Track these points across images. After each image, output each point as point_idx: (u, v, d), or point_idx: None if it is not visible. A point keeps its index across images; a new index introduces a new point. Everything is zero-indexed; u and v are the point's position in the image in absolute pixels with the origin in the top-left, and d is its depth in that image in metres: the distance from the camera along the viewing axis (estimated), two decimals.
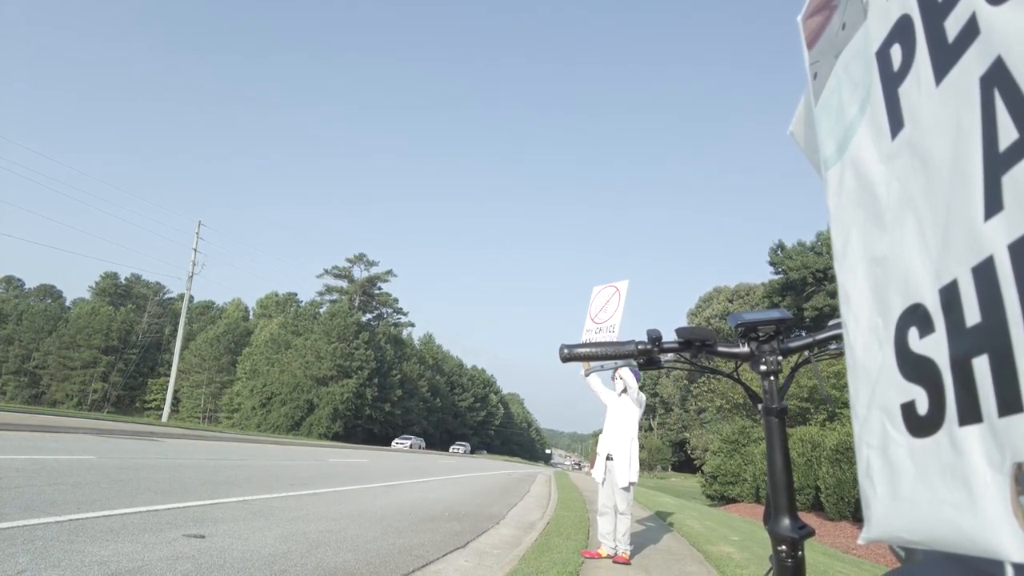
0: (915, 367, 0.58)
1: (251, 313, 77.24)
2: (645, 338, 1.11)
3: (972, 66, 0.51)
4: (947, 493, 0.52)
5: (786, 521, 0.96)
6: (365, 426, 57.28)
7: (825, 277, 38.44)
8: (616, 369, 5.06)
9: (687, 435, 61.87)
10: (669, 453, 67.17)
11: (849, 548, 10.28)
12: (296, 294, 74.88)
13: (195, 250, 35.50)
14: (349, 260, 68.46)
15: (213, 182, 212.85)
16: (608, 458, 5.28)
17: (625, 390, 5.33)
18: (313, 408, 53.47)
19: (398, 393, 60.66)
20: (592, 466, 7.13)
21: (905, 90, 0.62)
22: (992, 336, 0.47)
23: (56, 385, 62.17)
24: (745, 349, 1.07)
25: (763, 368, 1.03)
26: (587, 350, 1.16)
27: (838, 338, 1.03)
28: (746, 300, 62.42)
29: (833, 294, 34.91)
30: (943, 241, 0.54)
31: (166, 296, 77.98)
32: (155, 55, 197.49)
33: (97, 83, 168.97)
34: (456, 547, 5.45)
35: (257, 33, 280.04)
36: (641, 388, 5.44)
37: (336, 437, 51.89)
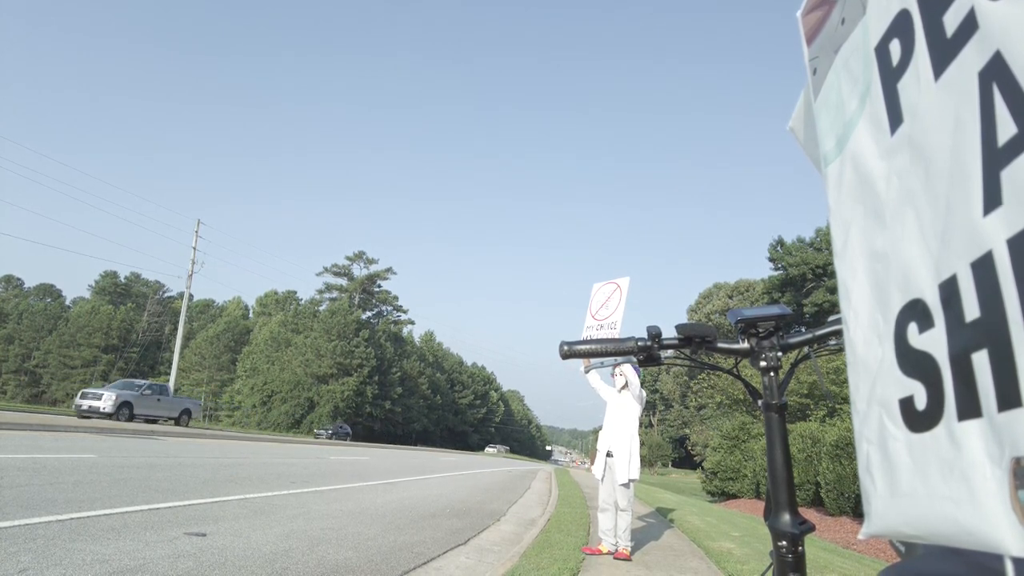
0: (914, 362, 0.58)
1: (251, 311, 77.21)
2: (645, 335, 1.11)
3: (971, 61, 0.51)
4: (946, 488, 0.52)
5: (786, 517, 0.97)
6: (366, 424, 57.34)
7: (825, 273, 38.45)
8: (616, 365, 5.07)
9: (687, 431, 62.01)
10: (669, 449, 67.30)
11: (849, 543, 10.31)
12: (296, 292, 74.87)
13: (195, 248, 35.47)
14: (349, 258, 68.56)
15: (212, 180, 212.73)
16: (608, 455, 5.29)
17: (626, 385, 5.34)
18: (313, 406, 53.51)
19: (398, 391, 60.72)
20: (592, 463, 7.17)
21: (904, 85, 0.62)
22: (991, 331, 0.47)
23: (56, 384, 62.17)
24: (745, 345, 1.07)
25: (763, 364, 1.03)
26: (587, 347, 1.16)
27: (838, 334, 1.03)
28: (746, 296, 62.43)
29: (833, 290, 34.91)
30: (942, 236, 0.54)
31: (166, 295, 78.00)
32: (154, 53, 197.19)
33: (96, 82, 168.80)
34: (457, 544, 5.46)
35: (256, 31, 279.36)
36: (641, 384, 5.44)
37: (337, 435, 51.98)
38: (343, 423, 50.30)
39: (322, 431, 44.94)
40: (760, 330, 1.05)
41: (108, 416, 20.02)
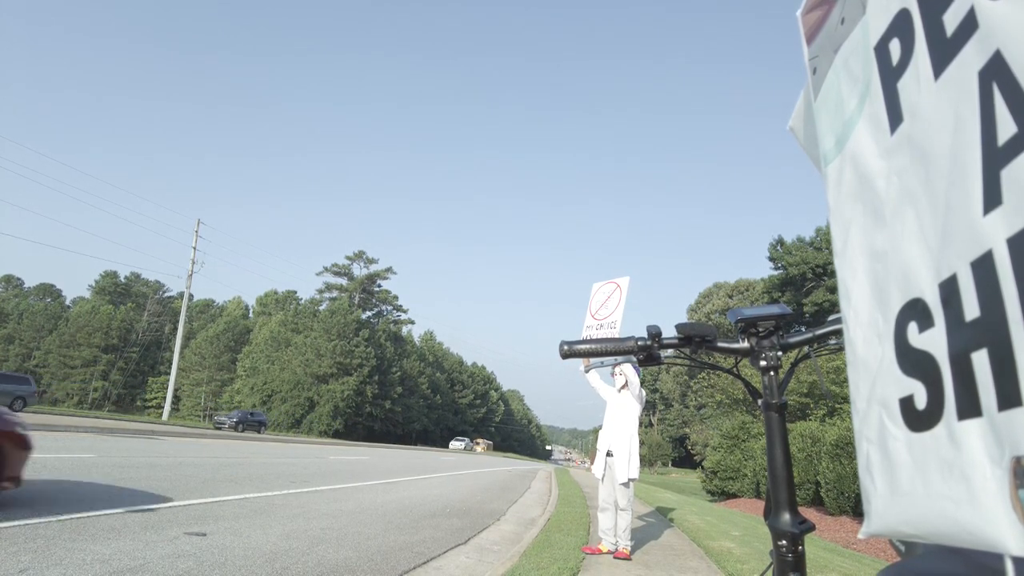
0: (914, 362, 0.58)
1: (251, 311, 77.23)
2: (645, 334, 1.11)
3: (971, 60, 0.51)
4: (946, 487, 0.52)
5: (786, 516, 0.97)
6: (366, 423, 57.33)
7: (824, 272, 38.43)
8: (616, 365, 5.07)
9: (687, 431, 62.04)
10: (669, 449, 67.32)
11: (849, 543, 10.31)
12: (296, 292, 74.93)
13: (195, 248, 35.50)
14: (349, 258, 68.63)
15: (212, 180, 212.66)
16: (608, 454, 5.29)
17: (626, 385, 5.34)
18: (313, 406, 53.51)
19: (398, 390, 60.74)
20: (592, 462, 7.19)
21: (904, 84, 0.62)
22: (991, 330, 0.47)
23: (57, 384, 62.16)
24: (745, 345, 1.06)
25: (763, 363, 1.03)
26: (587, 346, 1.16)
27: (838, 333, 1.03)
28: (746, 296, 62.42)
29: (833, 289, 34.91)
30: (942, 235, 0.54)
31: (166, 294, 78.03)
32: (153, 53, 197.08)
33: (96, 82, 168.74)
34: (457, 543, 5.46)
35: (256, 30, 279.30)
36: (641, 384, 5.45)
37: (336, 435, 51.93)
38: (254, 410, 40.93)
39: (224, 419, 34.64)
40: (760, 329, 1.05)
41: None
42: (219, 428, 32.72)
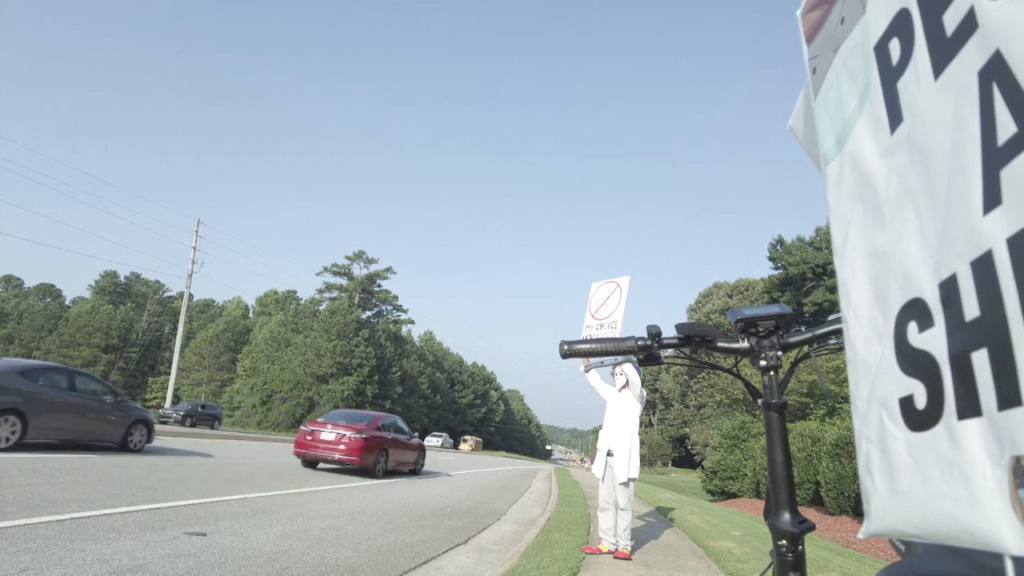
0: (914, 361, 0.58)
1: (251, 311, 77.20)
2: (645, 334, 1.11)
3: (970, 60, 0.51)
4: (945, 487, 0.52)
5: (786, 516, 0.97)
6: None
7: (824, 272, 38.43)
8: (616, 364, 5.07)
9: (687, 430, 62.06)
10: (669, 449, 67.30)
11: (849, 542, 10.30)
12: (296, 292, 74.84)
13: (194, 248, 35.45)
14: (348, 257, 68.62)
15: (212, 180, 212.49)
16: (609, 454, 5.29)
17: (627, 384, 5.34)
18: (313, 406, 53.47)
19: (399, 390, 60.73)
20: (592, 462, 7.20)
21: (904, 84, 0.62)
22: (991, 330, 0.47)
23: None
24: (745, 344, 1.06)
25: (763, 363, 1.03)
26: (587, 346, 1.16)
27: (838, 333, 1.03)
28: (746, 295, 62.42)
29: (833, 289, 34.90)
30: (942, 235, 0.54)
31: (166, 294, 78.03)
32: (153, 52, 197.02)
33: (96, 81, 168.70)
34: (457, 543, 5.46)
35: (256, 30, 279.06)
36: (641, 384, 5.45)
37: None
38: (208, 402, 36.56)
39: (170, 412, 29.36)
40: (760, 329, 1.05)
41: None
42: (165, 423, 27.40)
